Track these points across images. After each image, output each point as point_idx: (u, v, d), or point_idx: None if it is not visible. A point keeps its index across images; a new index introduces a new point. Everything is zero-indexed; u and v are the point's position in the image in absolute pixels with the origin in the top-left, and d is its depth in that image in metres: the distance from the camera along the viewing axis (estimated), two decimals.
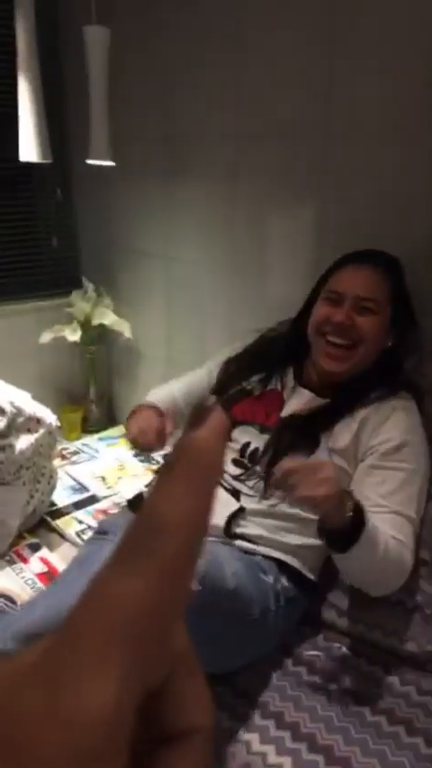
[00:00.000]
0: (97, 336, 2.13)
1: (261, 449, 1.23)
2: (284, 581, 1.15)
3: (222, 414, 0.21)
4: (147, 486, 1.36)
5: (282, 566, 1.16)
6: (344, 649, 1.19)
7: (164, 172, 1.86)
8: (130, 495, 1.55)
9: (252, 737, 1.01)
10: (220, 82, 1.64)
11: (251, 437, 1.24)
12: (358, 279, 1.21)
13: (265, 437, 1.23)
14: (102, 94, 1.64)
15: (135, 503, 1.32)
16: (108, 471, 1.88)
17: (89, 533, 1.51)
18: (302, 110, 1.48)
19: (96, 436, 2.15)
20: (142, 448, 1.31)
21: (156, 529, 0.18)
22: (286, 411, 1.26)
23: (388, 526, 1.09)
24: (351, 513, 0.99)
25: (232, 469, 1.25)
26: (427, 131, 1.27)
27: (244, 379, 1.34)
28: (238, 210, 1.70)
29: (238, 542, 1.16)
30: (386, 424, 1.17)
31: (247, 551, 1.16)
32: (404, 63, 1.28)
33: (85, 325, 2.06)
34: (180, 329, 1.97)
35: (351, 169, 1.43)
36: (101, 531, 1.25)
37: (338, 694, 1.09)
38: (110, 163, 1.69)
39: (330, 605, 1.22)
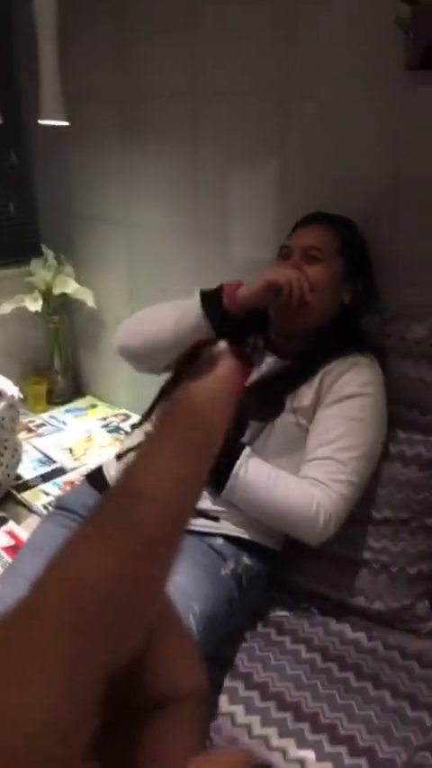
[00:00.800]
0: (60, 306, 2.07)
1: None
2: (246, 559, 1.14)
3: (233, 362, 0.18)
4: (116, 456, 1.32)
5: (243, 542, 1.15)
6: (312, 609, 1.21)
7: (122, 133, 1.79)
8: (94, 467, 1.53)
9: (221, 698, 1.02)
10: (175, 38, 1.57)
11: None
12: (307, 234, 1.24)
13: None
14: (51, 49, 1.56)
15: (94, 476, 1.30)
16: (75, 443, 1.86)
17: None
18: (260, 66, 1.43)
19: (63, 408, 2.11)
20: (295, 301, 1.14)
21: (134, 495, 0.16)
22: (252, 377, 1.24)
23: (315, 470, 1.09)
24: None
25: None
26: (385, 84, 1.24)
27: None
28: (198, 172, 1.65)
29: (201, 522, 1.14)
30: (344, 377, 1.16)
31: (207, 534, 1.13)
32: (363, 11, 1.23)
33: (47, 294, 2.00)
34: (143, 296, 1.93)
35: (311, 126, 1.39)
36: (59, 507, 1.23)
37: (307, 653, 1.11)
38: (63, 123, 1.63)
39: (297, 568, 1.23)
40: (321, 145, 1.39)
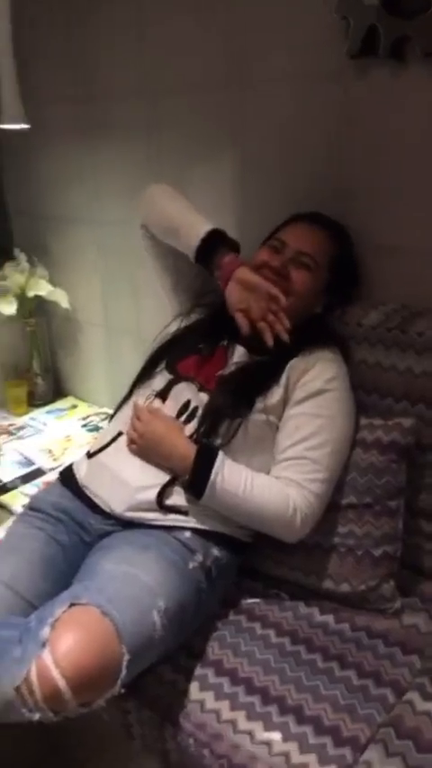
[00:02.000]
0: (35, 308, 2.09)
1: (200, 408, 1.22)
2: (216, 551, 1.15)
3: None
4: (86, 454, 1.33)
5: (212, 535, 1.16)
6: (282, 595, 1.23)
7: (85, 132, 1.80)
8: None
9: (191, 686, 1.05)
10: (127, 37, 1.58)
11: (191, 395, 1.24)
12: (305, 235, 1.24)
13: (203, 396, 1.23)
14: (7, 51, 1.56)
15: (65, 475, 1.32)
16: (54, 443, 1.88)
17: None
18: (210, 62, 1.44)
19: (44, 409, 2.13)
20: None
21: None
22: (225, 371, 1.25)
23: (290, 470, 1.12)
24: (192, 465, 1.11)
25: None
26: (330, 75, 1.25)
27: (198, 336, 1.32)
28: (161, 168, 1.66)
29: (171, 516, 1.15)
30: (309, 373, 1.19)
31: (176, 527, 1.14)
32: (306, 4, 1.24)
33: (21, 297, 2.02)
34: (116, 294, 1.94)
35: (263, 119, 1.40)
36: (31, 508, 1.25)
37: (276, 637, 1.13)
38: (24, 126, 1.63)
39: (267, 555, 1.25)
40: (274, 138, 1.40)
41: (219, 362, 1.27)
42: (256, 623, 1.16)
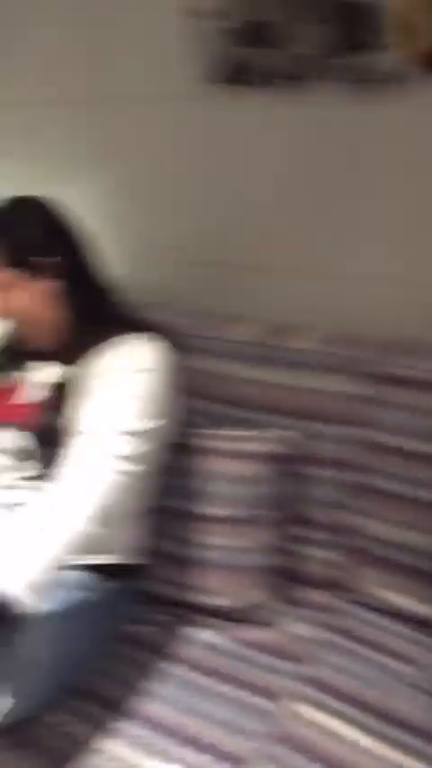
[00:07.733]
0: None
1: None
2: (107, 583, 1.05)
3: None
4: None
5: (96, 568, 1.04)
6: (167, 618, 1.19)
7: None
8: None
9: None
10: None
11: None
12: None
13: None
14: None
15: None
16: None
17: None
18: (68, 77, 1.39)
19: None
20: None
21: None
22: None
23: None
24: None
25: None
26: (181, 99, 1.25)
27: None
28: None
29: None
30: None
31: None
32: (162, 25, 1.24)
33: None
34: None
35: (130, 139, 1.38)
36: None
37: (158, 662, 1.10)
38: None
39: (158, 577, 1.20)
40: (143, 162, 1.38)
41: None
42: (144, 652, 1.12)
